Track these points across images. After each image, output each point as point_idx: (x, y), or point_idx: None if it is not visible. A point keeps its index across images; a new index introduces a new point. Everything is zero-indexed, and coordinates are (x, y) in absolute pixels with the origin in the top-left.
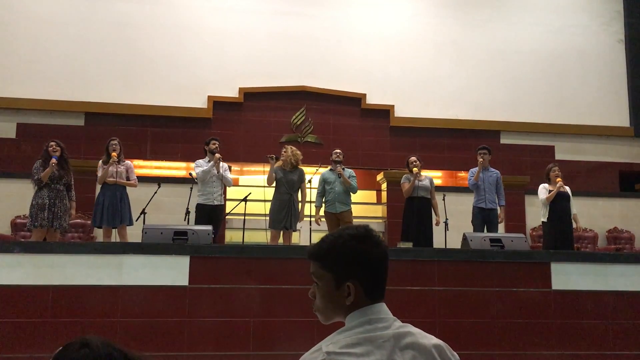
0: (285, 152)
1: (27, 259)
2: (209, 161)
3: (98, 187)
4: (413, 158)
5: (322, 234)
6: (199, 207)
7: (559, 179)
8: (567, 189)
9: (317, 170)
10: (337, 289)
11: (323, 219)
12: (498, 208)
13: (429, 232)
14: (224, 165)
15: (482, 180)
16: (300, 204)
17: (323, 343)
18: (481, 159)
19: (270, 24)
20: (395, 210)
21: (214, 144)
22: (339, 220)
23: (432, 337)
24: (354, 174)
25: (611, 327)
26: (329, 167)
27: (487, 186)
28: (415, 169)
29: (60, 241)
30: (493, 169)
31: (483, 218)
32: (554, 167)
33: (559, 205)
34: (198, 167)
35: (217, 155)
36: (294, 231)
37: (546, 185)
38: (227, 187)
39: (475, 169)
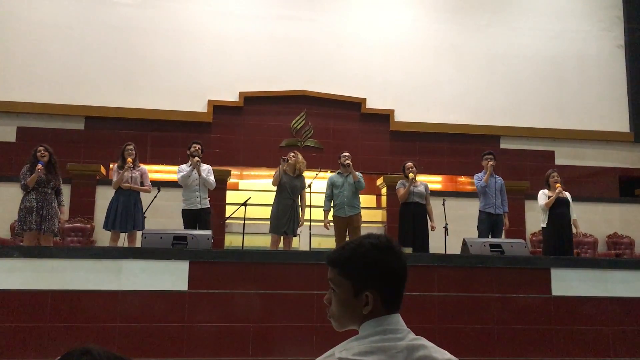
0: (295, 156)
1: (26, 263)
2: (190, 165)
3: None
4: (410, 164)
5: (322, 239)
6: (184, 212)
7: (558, 185)
8: (567, 194)
9: (316, 174)
10: (355, 297)
11: (332, 223)
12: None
13: (425, 237)
14: (206, 167)
15: (490, 185)
16: (301, 210)
17: (336, 349)
18: (491, 163)
19: (271, 28)
20: (395, 215)
21: (194, 147)
22: (348, 225)
23: (446, 352)
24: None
25: (611, 333)
26: (338, 171)
27: (495, 192)
28: (411, 175)
29: (59, 245)
30: (497, 176)
31: (490, 223)
32: (553, 172)
33: (558, 211)
34: (180, 172)
35: (195, 158)
36: (294, 236)
37: (545, 191)
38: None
39: (480, 174)
